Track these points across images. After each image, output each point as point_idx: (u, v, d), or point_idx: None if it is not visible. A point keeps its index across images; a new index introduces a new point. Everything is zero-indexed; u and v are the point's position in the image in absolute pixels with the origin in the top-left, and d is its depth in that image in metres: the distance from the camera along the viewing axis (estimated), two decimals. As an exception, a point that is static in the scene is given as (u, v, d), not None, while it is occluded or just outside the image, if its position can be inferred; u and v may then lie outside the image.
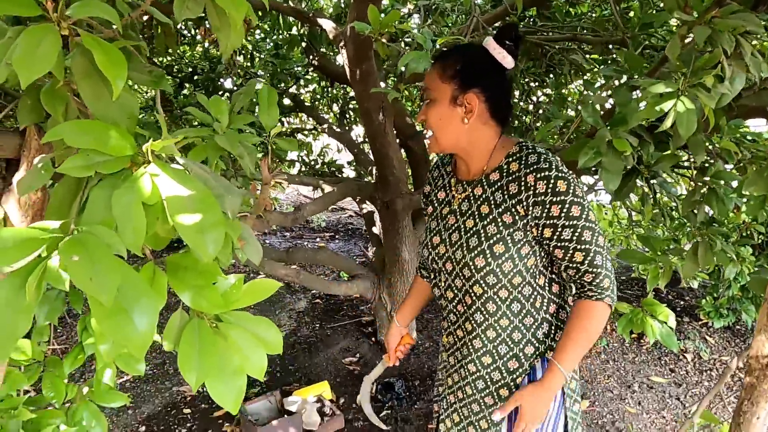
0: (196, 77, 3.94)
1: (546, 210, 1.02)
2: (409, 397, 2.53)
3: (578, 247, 1.02)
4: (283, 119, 4.05)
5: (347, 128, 4.04)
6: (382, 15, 1.36)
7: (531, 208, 1.03)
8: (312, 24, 2.39)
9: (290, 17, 2.71)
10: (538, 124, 2.82)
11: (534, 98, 3.13)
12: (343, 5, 3.08)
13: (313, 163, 3.86)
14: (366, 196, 2.69)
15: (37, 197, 0.69)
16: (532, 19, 2.62)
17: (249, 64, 3.74)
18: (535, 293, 1.11)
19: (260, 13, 2.98)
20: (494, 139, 1.11)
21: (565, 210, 1.01)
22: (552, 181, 1.00)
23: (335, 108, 4.40)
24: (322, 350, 3.03)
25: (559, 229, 1.02)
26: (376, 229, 3.24)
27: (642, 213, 2.31)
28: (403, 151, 3.17)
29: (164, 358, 2.94)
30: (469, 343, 1.16)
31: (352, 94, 3.97)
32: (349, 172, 3.96)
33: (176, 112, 3.23)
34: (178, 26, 3.29)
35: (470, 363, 1.16)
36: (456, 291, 1.16)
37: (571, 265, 1.04)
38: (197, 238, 0.54)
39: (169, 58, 4.31)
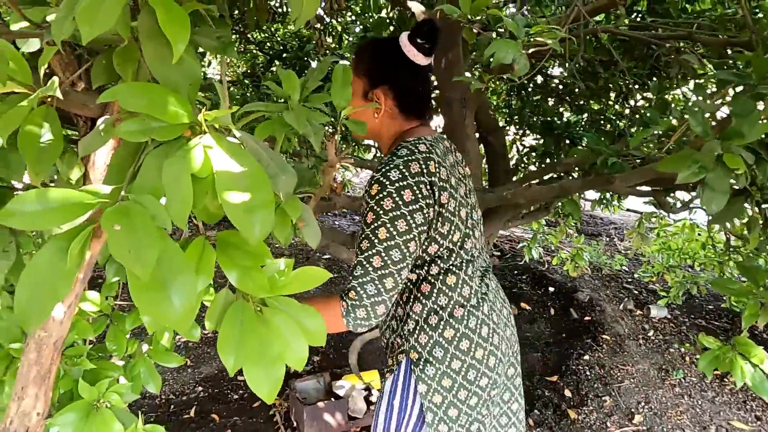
0: (285, 55, 4.02)
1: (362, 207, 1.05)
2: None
3: (356, 251, 1.02)
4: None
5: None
6: (474, -1, 1.27)
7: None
8: (402, 6, 2.33)
9: (380, -1, 2.66)
10: (633, 130, 2.59)
11: (632, 101, 2.89)
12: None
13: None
14: (438, 188, 2.61)
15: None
16: (640, 15, 2.40)
17: (337, 45, 3.76)
18: (405, 286, 1.13)
19: (352, -6, 2.97)
20: (398, 132, 1.16)
21: (365, 211, 1.03)
22: (372, 181, 1.03)
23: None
24: (378, 339, 3.01)
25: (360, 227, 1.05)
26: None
27: (745, 239, 2.06)
28: (481, 146, 3.05)
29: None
30: None
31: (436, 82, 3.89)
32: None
33: (263, 87, 3.31)
34: (272, 2, 3.36)
35: None
36: None
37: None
38: (244, 218, 0.50)
39: (262, 35, 4.44)
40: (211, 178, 0.51)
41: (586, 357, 2.90)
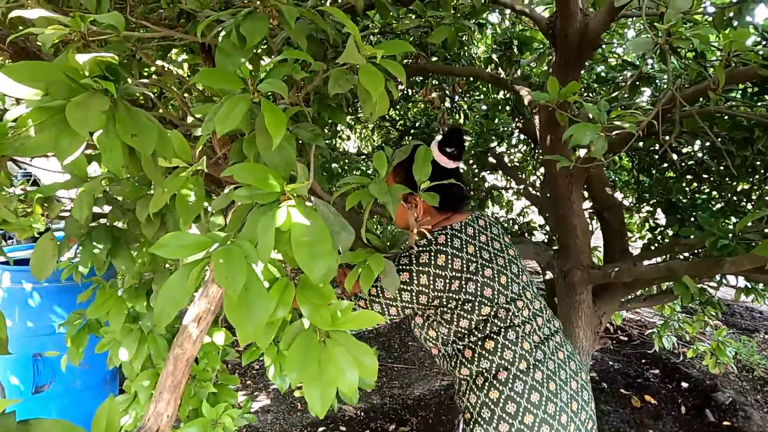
0: (413, 131, 4.40)
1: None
2: None
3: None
4: (485, 175, 4.19)
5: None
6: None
7: None
8: (510, 90, 2.49)
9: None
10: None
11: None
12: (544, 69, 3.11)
13: (503, 220, 3.88)
14: (544, 261, 2.60)
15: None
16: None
17: (462, 121, 4.02)
18: (454, 353, 1.27)
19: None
20: (433, 225, 1.33)
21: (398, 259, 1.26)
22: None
23: (540, 170, 4.38)
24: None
25: None
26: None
27: None
28: (596, 222, 2.99)
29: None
30: None
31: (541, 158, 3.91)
32: (540, 236, 3.86)
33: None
34: (402, 88, 3.75)
35: None
36: None
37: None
38: (308, 262, 0.68)
39: (395, 113, 4.92)
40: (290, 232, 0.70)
41: (721, 468, 2.53)
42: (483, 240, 1.29)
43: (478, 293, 1.22)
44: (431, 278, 1.20)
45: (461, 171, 1.44)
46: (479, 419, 1.16)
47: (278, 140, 0.69)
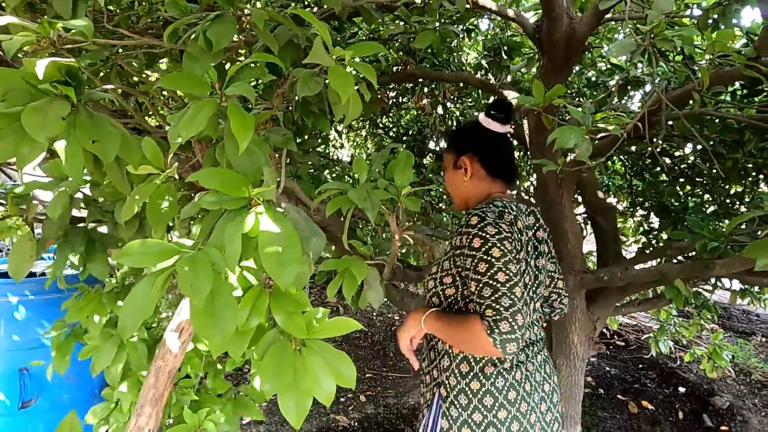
0: (405, 138, 4.39)
1: (461, 258, 1.16)
2: None
3: (473, 276, 1.10)
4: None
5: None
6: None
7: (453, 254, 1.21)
8: (498, 95, 2.48)
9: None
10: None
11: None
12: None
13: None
14: (537, 267, 2.59)
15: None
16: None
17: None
18: None
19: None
20: (486, 194, 1.31)
21: (469, 248, 1.13)
22: (470, 238, 1.13)
23: (534, 176, 4.37)
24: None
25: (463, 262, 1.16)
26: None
27: None
28: (589, 227, 2.97)
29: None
30: None
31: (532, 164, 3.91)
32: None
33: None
34: (393, 95, 3.75)
35: None
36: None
37: (473, 298, 1.10)
38: (277, 269, 0.66)
39: (389, 121, 4.92)
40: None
41: (719, 473, 2.50)
42: (523, 236, 1.23)
43: (521, 277, 1.17)
44: (510, 242, 1.13)
45: (512, 143, 1.42)
46: (456, 402, 1.16)
47: (245, 144, 0.67)
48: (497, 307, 1.04)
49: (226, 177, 0.68)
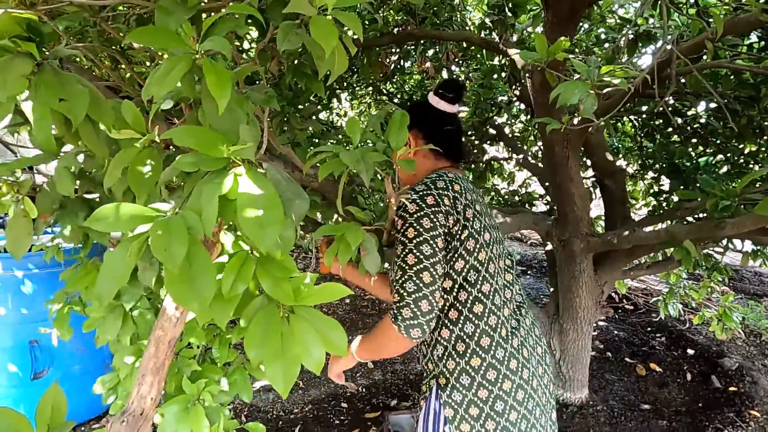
0: (409, 103, 4.31)
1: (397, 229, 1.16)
2: None
3: (394, 258, 1.13)
4: (485, 146, 4.11)
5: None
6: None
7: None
8: (502, 54, 2.40)
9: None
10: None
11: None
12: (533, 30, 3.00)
13: (504, 192, 3.81)
14: (543, 231, 2.54)
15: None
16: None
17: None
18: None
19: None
20: (430, 171, 1.29)
21: (399, 226, 1.15)
22: (398, 219, 1.15)
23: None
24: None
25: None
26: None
27: None
28: (599, 190, 2.91)
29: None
30: None
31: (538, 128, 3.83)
32: (543, 207, 3.80)
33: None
34: (396, 59, 3.65)
35: None
36: None
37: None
38: (256, 231, 0.62)
39: (393, 87, 4.82)
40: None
41: (726, 434, 2.51)
42: (471, 197, 1.23)
43: (481, 233, 1.16)
44: (444, 216, 1.13)
45: (461, 123, 1.40)
46: (457, 385, 1.13)
47: (224, 103, 0.63)
48: (402, 292, 1.08)
49: (202, 135, 0.64)
